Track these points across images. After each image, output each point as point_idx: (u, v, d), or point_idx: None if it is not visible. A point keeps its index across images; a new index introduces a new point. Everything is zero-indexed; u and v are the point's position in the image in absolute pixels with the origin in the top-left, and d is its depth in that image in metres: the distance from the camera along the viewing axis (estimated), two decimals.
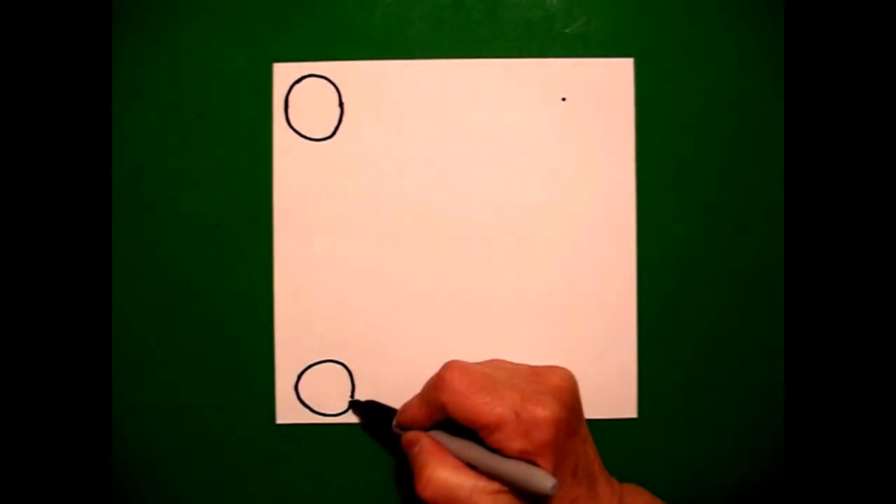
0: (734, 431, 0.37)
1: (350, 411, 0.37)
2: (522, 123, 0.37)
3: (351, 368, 0.37)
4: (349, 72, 0.37)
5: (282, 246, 0.37)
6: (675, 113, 0.37)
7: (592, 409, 0.37)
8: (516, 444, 0.28)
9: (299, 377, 0.37)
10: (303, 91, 0.37)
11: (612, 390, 0.37)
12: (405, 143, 0.37)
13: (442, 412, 0.31)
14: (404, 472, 0.37)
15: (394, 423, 0.35)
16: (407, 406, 0.34)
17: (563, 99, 0.37)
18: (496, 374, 0.31)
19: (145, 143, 0.37)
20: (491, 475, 0.29)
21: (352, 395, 0.37)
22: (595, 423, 0.37)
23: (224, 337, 0.37)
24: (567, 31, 0.37)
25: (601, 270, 0.37)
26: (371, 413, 0.36)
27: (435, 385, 0.31)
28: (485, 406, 0.29)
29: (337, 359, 0.37)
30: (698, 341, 0.38)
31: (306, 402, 0.37)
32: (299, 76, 0.37)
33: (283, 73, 0.37)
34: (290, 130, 0.37)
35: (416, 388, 0.37)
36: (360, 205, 0.37)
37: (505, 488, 0.29)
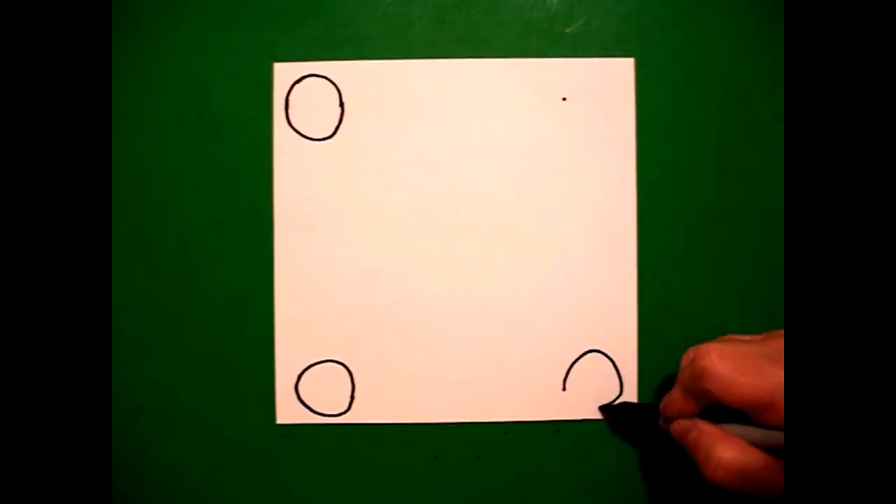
0: None
1: (608, 415, 0.37)
2: (522, 123, 0.37)
3: (351, 368, 0.37)
4: (349, 72, 0.37)
5: (282, 246, 0.37)
6: (675, 113, 0.37)
7: (593, 408, 0.37)
8: None
9: (299, 377, 0.37)
10: (303, 91, 0.37)
11: (612, 391, 0.37)
12: (405, 143, 0.37)
13: (709, 399, 0.30)
14: (402, 471, 0.37)
15: (661, 419, 0.34)
16: (670, 401, 0.33)
17: (564, 99, 0.37)
18: (750, 349, 0.31)
19: (145, 143, 0.37)
20: (770, 450, 0.29)
21: (351, 395, 0.37)
22: (595, 424, 0.38)
23: (224, 337, 0.37)
24: (567, 31, 0.37)
25: (601, 270, 0.37)
26: (626, 414, 0.36)
27: (695, 374, 0.30)
28: (753, 388, 0.29)
29: (337, 359, 0.37)
30: (698, 341, 0.37)
31: (306, 402, 0.37)
32: (299, 76, 0.37)
33: (284, 73, 0.37)
34: (291, 130, 0.37)
35: (416, 387, 0.37)
36: (361, 205, 0.37)
37: None
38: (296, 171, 0.37)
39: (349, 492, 0.37)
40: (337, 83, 0.37)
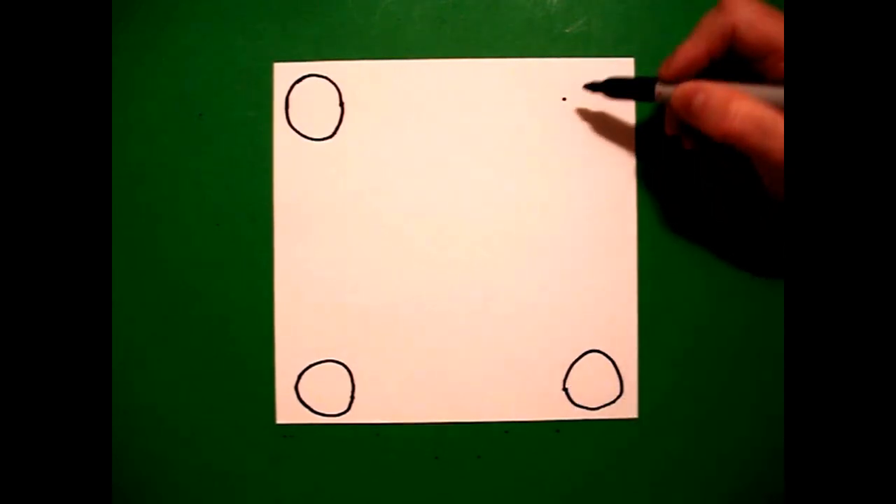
0: (734, 432, 0.37)
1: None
2: (522, 123, 0.37)
3: (351, 368, 0.37)
4: (349, 72, 0.37)
5: (282, 246, 0.37)
6: None
7: (593, 409, 0.37)
8: None
9: (299, 377, 0.37)
10: (303, 91, 0.37)
11: (612, 390, 0.37)
12: (405, 142, 0.37)
13: (726, 39, 0.30)
14: (402, 471, 0.37)
15: (657, 83, 0.32)
16: (677, 52, 0.32)
17: (564, 99, 0.37)
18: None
19: (145, 143, 0.37)
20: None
21: (351, 395, 0.37)
22: (595, 424, 0.38)
23: (224, 337, 0.37)
24: (567, 31, 0.37)
25: (601, 270, 0.37)
26: (618, 88, 0.35)
27: (720, 8, 0.30)
28: (779, 30, 0.29)
29: (337, 359, 0.37)
30: (698, 342, 0.38)
31: (306, 402, 0.37)
32: (299, 76, 0.37)
33: (284, 73, 0.37)
34: (291, 130, 0.37)
35: (416, 387, 0.37)
36: (360, 205, 0.37)
37: None
38: (296, 171, 0.37)
39: (349, 492, 0.37)
40: (337, 83, 0.37)
